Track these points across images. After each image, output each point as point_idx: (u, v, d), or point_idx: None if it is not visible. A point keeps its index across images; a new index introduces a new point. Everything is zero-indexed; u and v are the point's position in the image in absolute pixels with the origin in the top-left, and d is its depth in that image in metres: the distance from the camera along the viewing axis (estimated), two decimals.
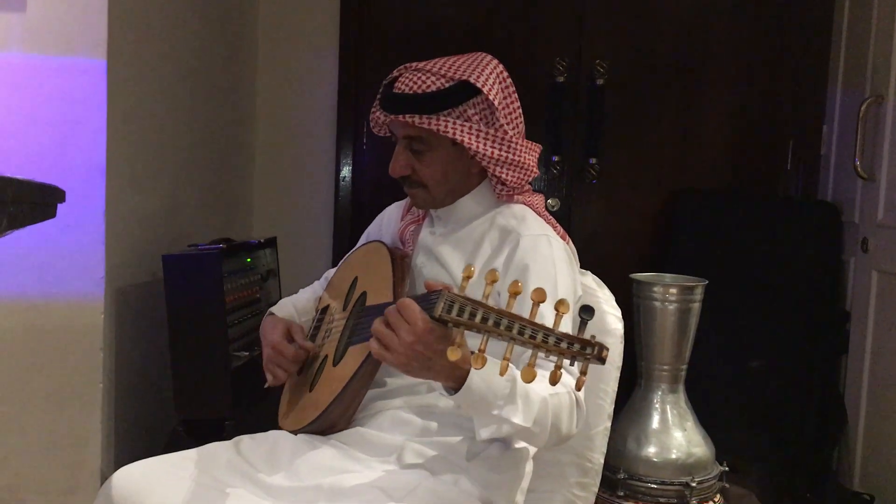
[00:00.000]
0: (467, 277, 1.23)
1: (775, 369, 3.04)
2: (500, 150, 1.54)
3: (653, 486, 1.91)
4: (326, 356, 1.64)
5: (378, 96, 1.61)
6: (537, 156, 1.64)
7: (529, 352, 1.19)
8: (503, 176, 1.57)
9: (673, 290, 1.94)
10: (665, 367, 1.97)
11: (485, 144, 1.53)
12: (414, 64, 1.56)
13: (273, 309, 1.83)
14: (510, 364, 1.20)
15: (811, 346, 3.06)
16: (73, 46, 2.23)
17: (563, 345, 1.17)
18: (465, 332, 1.21)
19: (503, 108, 1.55)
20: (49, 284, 2.26)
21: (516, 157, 1.56)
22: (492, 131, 1.53)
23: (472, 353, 1.24)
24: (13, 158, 2.20)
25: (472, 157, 1.57)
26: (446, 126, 1.52)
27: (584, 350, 1.17)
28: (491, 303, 1.20)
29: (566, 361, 1.18)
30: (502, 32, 3.52)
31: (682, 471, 1.91)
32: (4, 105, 2.20)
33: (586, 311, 1.20)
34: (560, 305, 1.18)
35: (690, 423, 1.97)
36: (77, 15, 2.22)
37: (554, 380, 1.17)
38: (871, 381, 2.81)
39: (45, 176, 1.73)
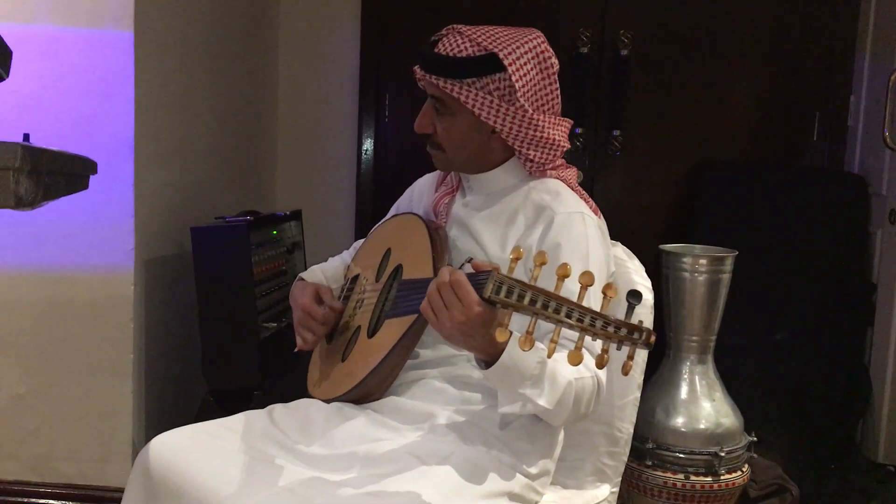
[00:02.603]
0: (516, 259, 1.24)
1: (800, 341, 3.03)
2: (521, 127, 1.53)
3: (681, 455, 1.92)
4: (360, 327, 1.65)
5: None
6: (566, 131, 1.62)
7: (556, 329, 1.19)
8: (528, 153, 1.57)
9: (703, 261, 1.93)
10: (694, 338, 1.97)
11: (503, 121, 1.52)
12: (459, 26, 1.55)
13: (302, 274, 1.84)
14: (537, 343, 1.21)
15: (837, 319, 3.06)
16: (101, 19, 2.24)
17: (611, 329, 1.17)
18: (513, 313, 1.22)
19: (529, 87, 1.53)
20: (79, 257, 2.29)
21: (538, 135, 1.54)
22: (512, 109, 1.52)
23: (511, 332, 1.25)
24: (41, 131, 2.20)
25: (492, 131, 1.56)
26: (467, 96, 1.52)
27: (632, 335, 1.17)
28: (540, 284, 1.20)
29: (612, 344, 1.18)
30: (526, 2, 3.49)
31: (710, 441, 1.92)
32: (33, 77, 2.21)
33: (634, 296, 1.20)
34: (608, 289, 1.18)
35: (719, 393, 1.97)
36: None
37: (601, 364, 1.17)
38: None
39: (73, 149, 1.74)
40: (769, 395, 2.94)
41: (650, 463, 1.93)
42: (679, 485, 1.91)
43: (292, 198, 3.53)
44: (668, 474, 1.92)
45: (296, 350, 1.72)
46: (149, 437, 2.39)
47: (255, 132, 3.34)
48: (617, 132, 3.41)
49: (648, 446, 1.93)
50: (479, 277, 1.28)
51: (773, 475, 2.41)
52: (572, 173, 1.68)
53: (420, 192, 1.81)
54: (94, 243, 2.28)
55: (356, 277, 1.78)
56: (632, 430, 1.69)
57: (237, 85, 3.07)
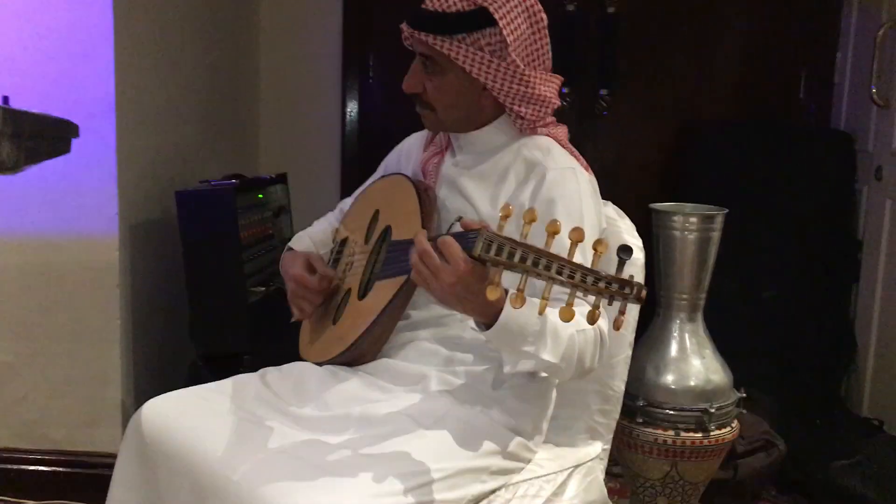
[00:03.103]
0: (506, 216, 1.22)
1: (787, 298, 3.05)
2: (512, 83, 1.51)
3: (671, 412, 1.93)
4: (350, 289, 1.64)
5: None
6: (556, 87, 1.60)
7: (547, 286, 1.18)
8: (519, 110, 1.55)
9: (693, 220, 1.93)
10: (684, 296, 1.97)
11: (494, 77, 1.50)
12: None
13: (292, 244, 1.82)
14: (531, 300, 1.21)
15: (823, 276, 3.07)
16: None
17: (602, 284, 1.17)
18: (504, 271, 1.21)
19: (520, 42, 1.51)
20: (63, 222, 2.26)
21: (529, 91, 1.52)
22: (503, 64, 1.50)
23: (506, 290, 1.25)
24: (18, 94, 2.15)
25: (483, 88, 1.54)
26: (458, 53, 1.49)
27: (623, 290, 1.16)
28: (530, 241, 1.19)
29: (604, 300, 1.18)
30: None
31: (700, 397, 1.93)
32: (8, 38, 2.16)
33: (625, 251, 1.20)
34: (598, 244, 1.17)
35: (709, 350, 1.98)
36: None
37: (593, 319, 1.17)
38: (882, 309, 2.83)
39: (53, 111, 1.70)
40: (756, 352, 2.96)
41: (641, 420, 1.94)
42: (670, 441, 1.92)
43: (276, 161, 3.48)
44: (659, 431, 1.93)
45: (292, 321, 1.71)
46: (138, 402, 2.38)
47: (238, 94, 3.29)
48: (604, 91, 3.39)
49: (639, 404, 1.94)
50: (468, 236, 1.27)
51: (759, 430, 2.45)
52: (563, 131, 1.66)
53: (408, 153, 1.79)
54: (77, 208, 2.25)
55: (345, 240, 1.77)
56: (623, 388, 1.70)
57: (218, 46, 3.01)
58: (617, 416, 1.70)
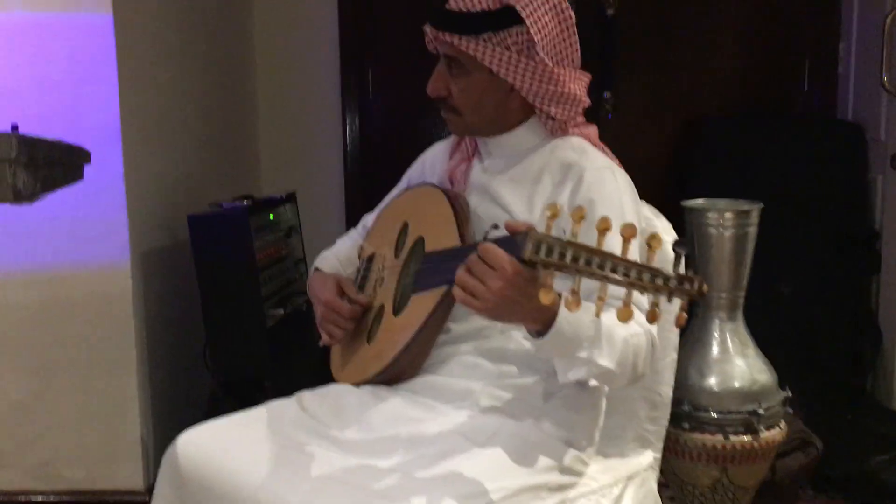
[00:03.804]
0: (553, 216, 1.17)
1: (806, 292, 3.01)
2: (541, 83, 1.46)
3: (718, 415, 1.87)
4: (383, 306, 1.58)
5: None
6: (586, 85, 1.56)
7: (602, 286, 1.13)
8: (550, 110, 1.50)
9: (728, 215, 1.88)
10: (723, 295, 1.92)
11: (522, 77, 1.45)
12: None
13: (318, 264, 1.76)
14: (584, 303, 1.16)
15: (841, 268, 3.03)
16: (77, 2, 2.13)
17: (660, 281, 1.12)
18: (556, 273, 1.16)
19: (549, 40, 1.46)
20: (73, 253, 2.20)
21: (559, 90, 1.48)
22: (532, 63, 1.45)
23: (559, 294, 1.19)
24: (24, 121, 2.10)
25: (510, 89, 1.49)
26: (484, 53, 1.44)
27: (683, 285, 1.11)
28: (581, 241, 1.14)
29: (662, 298, 1.13)
30: None
31: (748, 399, 1.88)
32: (10, 67, 2.11)
33: (681, 245, 1.15)
34: (653, 240, 1.12)
35: (751, 349, 1.93)
36: None
37: (654, 318, 1.12)
38: None
39: (59, 139, 1.65)
40: (778, 348, 2.90)
41: (687, 426, 1.88)
42: (719, 446, 1.86)
43: (279, 181, 3.42)
44: (707, 436, 1.87)
45: (320, 345, 1.65)
46: (157, 436, 2.32)
47: (237, 114, 3.24)
48: (608, 94, 3.35)
49: (684, 408, 1.89)
50: (515, 239, 1.21)
51: (795, 429, 2.38)
52: (593, 130, 1.61)
53: (432, 162, 1.73)
54: (87, 238, 2.19)
55: (372, 256, 1.71)
56: (671, 393, 1.64)
57: (216, 66, 2.96)
58: (666, 422, 1.64)
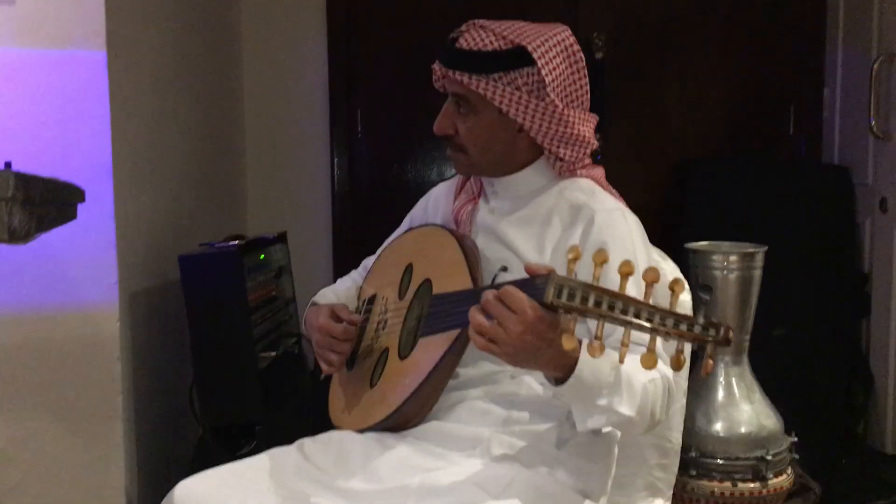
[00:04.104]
0: (574, 259, 1.15)
1: (797, 336, 3.00)
2: (550, 124, 1.45)
3: (726, 462, 1.84)
4: (387, 349, 1.54)
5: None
6: (593, 126, 1.55)
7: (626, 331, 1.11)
8: (559, 152, 1.49)
9: (733, 258, 1.87)
10: None
11: (532, 117, 1.44)
12: (481, 21, 1.47)
13: (314, 299, 1.72)
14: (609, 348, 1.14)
15: (831, 311, 3.04)
16: (70, 38, 2.09)
17: (684, 327, 1.09)
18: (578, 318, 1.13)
19: (559, 82, 1.45)
20: (59, 293, 2.12)
21: (568, 131, 1.47)
22: (542, 104, 1.44)
23: (579, 339, 1.17)
24: (15, 160, 2.05)
25: (518, 130, 1.48)
26: (494, 92, 1.43)
27: (708, 332, 1.09)
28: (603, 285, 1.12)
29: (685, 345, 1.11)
30: (495, 10, 3.41)
31: (755, 444, 1.85)
32: (1, 104, 2.06)
33: (705, 290, 1.14)
34: (676, 285, 1.11)
35: (758, 394, 1.91)
36: (71, 5, 2.08)
37: (678, 365, 1.09)
38: None
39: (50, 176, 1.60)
40: (772, 392, 2.89)
41: (694, 472, 1.85)
42: (727, 493, 1.83)
43: (267, 220, 3.38)
44: (715, 483, 1.84)
45: (322, 377, 1.60)
46: (143, 484, 2.24)
47: (225, 153, 3.20)
48: (598, 137, 3.35)
49: (692, 455, 1.85)
50: (536, 282, 1.18)
51: (794, 474, 2.36)
52: (600, 171, 1.60)
53: (436, 202, 1.70)
54: (74, 278, 2.12)
55: (373, 297, 1.67)
56: (680, 440, 1.61)
57: (206, 105, 2.93)
58: (676, 470, 1.61)
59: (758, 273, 1.89)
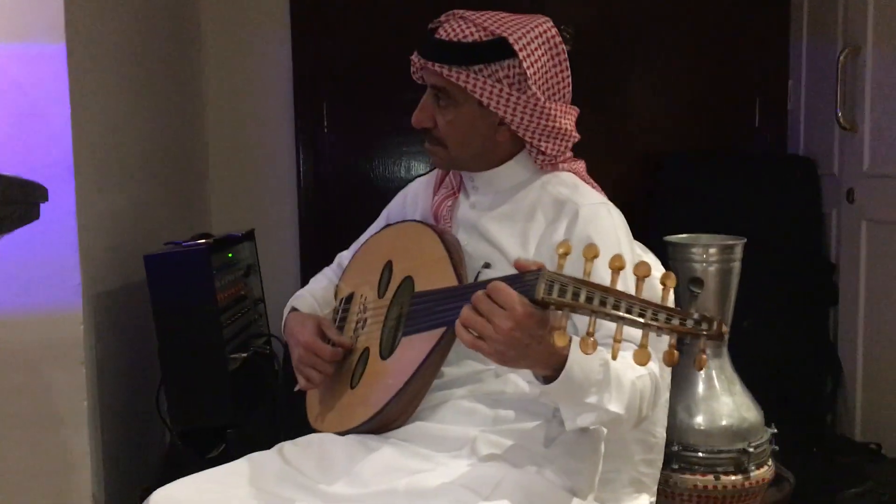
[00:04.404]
0: (565, 254, 1.12)
1: (766, 327, 3.02)
2: (532, 117, 1.42)
3: (708, 455, 1.84)
4: (367, 349, 1.50)
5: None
6: (574, 119, 1.53)
7: (613, 326, 1.09)
8: (541, 145, 1.46)
9: (712, 251, 1.87)
10: None
11: (514, 110, 1.42)
12: (461, 11, 1.44)
13: (294, 303, 1.67)
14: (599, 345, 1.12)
15: (800, 301, 3.06)
16: (28, 31, 2.02)
17: (676, 321, 1.08)
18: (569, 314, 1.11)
19: (541, 74, 1.43)
20: (21, 296, 2.05)
21: (550, 124, 1.45)
22: (523, 97, 1.41)
23: (570, 336, 1.15)
24: None
25: (499, 123, 1.45)
26: (475, 85, 1.40)
27: (700, 326, 1.08)
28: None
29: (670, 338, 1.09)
30: (462, 3, 3.37)
31: (736, 437, 1.85)
32: None
33: (696, 284, 1.13)
34: (667, 279, 1.09)
35: (738, 386, 1.91)
36: None
37: (671, 360, 1.07)
38: (866, 330, 2.82)
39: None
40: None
41: (677, 466, 1.84)
42: (710, 487, 1.82)
43: (230, 218, 3.31)
44: (698, 476, 1.83)
45: (296, 390, 1.55)
46: (111, 492, 2.17)
47: (189, 149, 3.12)
48: None
49: (674, 449, 1.84)
50: (525, 278, 1.16)
51: (774, 465, 2.37)
52: (582, 165, 1.59)
53: (414, 198, 1.67)
54: (36, 280, 2.04)
55: (350, 296, 1.63)
56: (664, 434, 1.60)
57: (168, 101, 2.85)
58: (660, 464, 1.59)
59: (737, 265, 1.88)
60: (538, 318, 1.14)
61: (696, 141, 3.48)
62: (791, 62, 3.39)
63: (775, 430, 1.93)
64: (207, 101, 3.33)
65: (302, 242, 3.43)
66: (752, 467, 1.85)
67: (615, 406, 1.22)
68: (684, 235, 1.97)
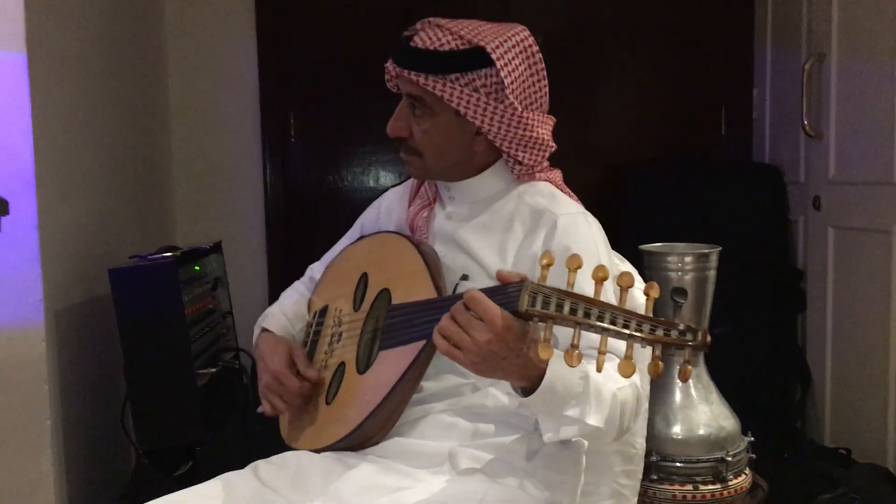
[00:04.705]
0: (548, 265, 1.11)
1: (736, 334, 3.03)
2: (510, 127, 1.40)
3: (686, 465, 1.83)
4: (343, 363, 1.47)
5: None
6: (551, 128, 1.52)
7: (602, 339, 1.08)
8: (518, 155, 1.44)
9: (688, 259, 1.86)
10: None
11: (490, 120, 1.39)
12: (437, 19, 1.41)
13: (265, 323, 1.61)
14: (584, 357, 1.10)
15: (768, 308, 3.08)
16: None
17: (660, 332, 1.06)
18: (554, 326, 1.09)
19: (518, 83, 1.41)
20: None
21: (528, 134, 1.43)
22: (500, 107, 1.39)
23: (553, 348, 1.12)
24: None
25: (476, 133, 1.43)
26: (451, 94, 1.38)
27: (685, 336, 1.06)
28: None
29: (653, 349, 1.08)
30: (427, 12, 3.36)
31: (714, 446, 1.84)
32: None
33: (680, 294, 1.11)
34: (651, 289, 1.07)
35: (715, 395, 1.90)
36: None
37: (656, 372, 1.06)
38: (834, 336, 2.84)
39: None
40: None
41: (655, 477, 1.83)
42: (689, 497, 1.81)
43: (195, 230, 3.26)
44: (676, 487, 1.82)
45: (259, 412, 1.51)
46: None
47: (152, 161, 3.06)
48: None
49: (652, 459, 1.83)
50: (508, 289, 1.14)
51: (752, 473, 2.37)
52: (558, 175, 1.57)
53: (388, 209, 1.64)
54: None
55: (325, 309, 1.59)
56: (644, 445, 1.58)
57: (132, 111, 2.80)
58: (640, 476, 1.58)
59: (713, 273, 1.88)
60: (517, 331, 1.12)
61: (663, 150, 3.51)
62: (756, 71, 3.43)
63: (752, 438, 1.93)
64: (171, 111, 3.27)
65: (270, 254, 3.38)
66: (731, 476, 1.85)
67: (594, 419, 1.21)
68: (659, 244, 1.96)
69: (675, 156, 3.50)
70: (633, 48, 3.48)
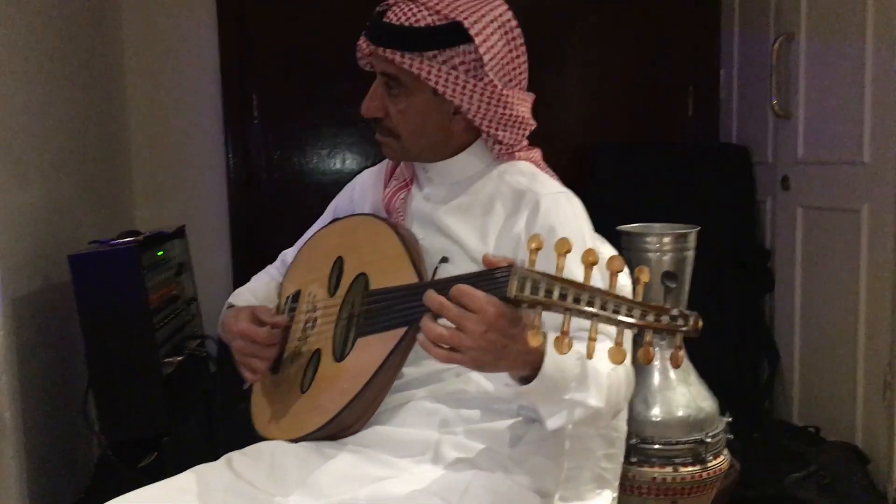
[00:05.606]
0: (536, 249, 1.07)
1: (705, 315, 3.03)
2: (489, 105, 1.36)
3: (666, 447, 1.81)
4: (319, 350, 1.42)
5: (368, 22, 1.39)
6: (530, 106, 1.48)
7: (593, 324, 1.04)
8: (498, 135, 1.40)
9: (666, 240, 1.84)
10: None
11: (469, 98, 1.35)
12: None
13: (232, 300, 1.56)
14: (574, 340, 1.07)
15: (737, 288, 3.09)
16: None
17: (651, 318, 1.03)
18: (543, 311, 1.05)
19: (497, 60, 1.36)
20: None
21: (507, 112, 1.38)
22: (479, 85, 1.34)
23: (545, 334, 1.09)
24: None
25: (454, 112, 1.38)
26: (429, 72, 1.33)
27: (677, 321, 1.04)
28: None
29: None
30: None
31: (693, 427, 1.83)
32: None
33: (670, 278, 1.09)
34: (641, 273, 1.05)
35: (693, 377, 1.89)
36: None
37: (648, 358, 1.03)
38: (802, 316, 2.86)
39: None
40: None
41: (635, 459, 1.81)
42: (669, 479, 1.80)
43: (157, 214, 3.16)
44: (656, 469, 1.81)
45: (245, 387, 1.46)
46: None
47: (110, 143, 2.96)
48: None
49: (631, 441, 1.82)
50: (496, 275, 1.10)
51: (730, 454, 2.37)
52: (538, 154, 1.54)
53: (362, 190, 1.58)
54: None
55: (297, 294, 1.54)
56: (626, 429, 1.56)
57: (88, 93, 2.69)
58: (622, 459, 1.56)
59: (691, 254, 1.87)
60: (510, 316, 1.08)
61: (630, 131, 3.49)
62: (723, 51, 3.41)
63: (730, 419, 1.93)
64: (129, 91, 3.17)
65: (234, 238, 3.30)
66: (710, 457, 1.84)
67: (594, 401, 1.18)
68: (637, 225, 1.94)
69: (642, 137, 3.48)
70: (599, 28, 3.45)
